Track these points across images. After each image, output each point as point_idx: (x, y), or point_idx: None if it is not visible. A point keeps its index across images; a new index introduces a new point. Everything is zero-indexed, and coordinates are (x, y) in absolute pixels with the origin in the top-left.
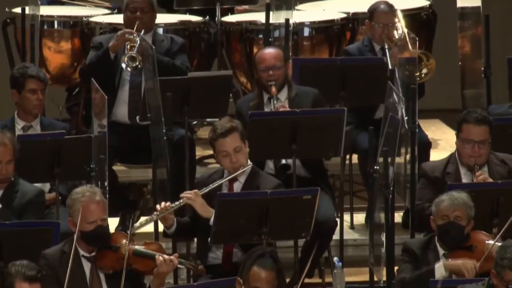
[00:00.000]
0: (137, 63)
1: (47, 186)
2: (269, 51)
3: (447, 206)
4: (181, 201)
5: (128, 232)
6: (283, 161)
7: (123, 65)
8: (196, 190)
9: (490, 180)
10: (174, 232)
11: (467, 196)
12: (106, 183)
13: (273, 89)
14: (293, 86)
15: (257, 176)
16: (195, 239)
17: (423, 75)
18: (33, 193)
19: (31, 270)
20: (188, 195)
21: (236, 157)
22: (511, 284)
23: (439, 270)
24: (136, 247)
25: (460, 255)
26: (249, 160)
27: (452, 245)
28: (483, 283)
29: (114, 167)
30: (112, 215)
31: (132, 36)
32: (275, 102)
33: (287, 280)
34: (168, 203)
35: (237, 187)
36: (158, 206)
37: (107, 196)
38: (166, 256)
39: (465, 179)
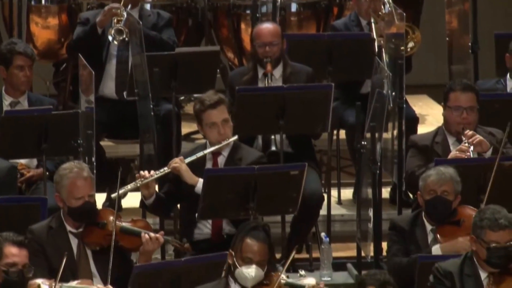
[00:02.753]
0: (124, 36)
1: (34, 162)
2: (267, 26)
3: (434, 181)
4: (166, 168)
5: (113, 196)
6: (273, 148)
7: (110, 38)
8: (181, 157)
9: (479, 136)
10: (151, 204)
11: (454, 171)
12: (93, 159)
13: (269, 67)
14: (289, 63)
15: (240, 149)
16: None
17: (409, 49)
18: (4, 171)
19: (19, 237)
20: (174, 162)
21: (224, 129)
22: (492, 244)
23: (437, 253)
24: (123, 224)
25: (448, 230)
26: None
27: (440, 219)
28: (459, 257)
29: (102, 143)
30: (99, 190)
31: (118, 11)
32: (270, 80)
33: (278, 255)
34: (152, 171)
35: (221, 161)
36: (142, 172)
37: (94, 171)
38: (152, 234)
39: (453, 149)
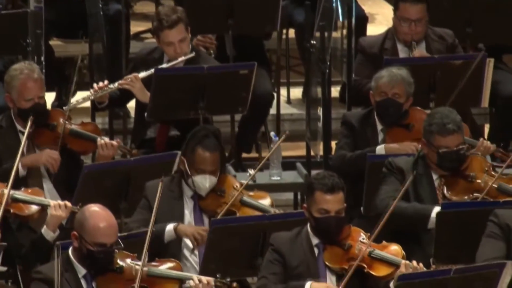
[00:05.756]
0: None
1: None
2: None
3: (386, 83)
4: (120, 81)
5: (65, 109)
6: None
7: None
8: (135, 74)
9: (426, 54)
10: (104, 107)
11: (407, 72)
12: (42, 58)
13: None
14: None
15: (198, 58)
16: (132, 115)
17: None
18: None
19: None
20: (128, 80)
21: (180, 47)
22: (441, 149)
23: (380, 152)
24: (73, 126)
25: (397, 132)
26: (191, 46)
27: (390, 122)
28: (413, 155)
29: (51, 42)
30: (48, 90)
31: None
32: None
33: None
34: (106, 83)
35: None
36: (95, 85)
37: (43, 71)
38: (107, 140)
39: (402, 55)
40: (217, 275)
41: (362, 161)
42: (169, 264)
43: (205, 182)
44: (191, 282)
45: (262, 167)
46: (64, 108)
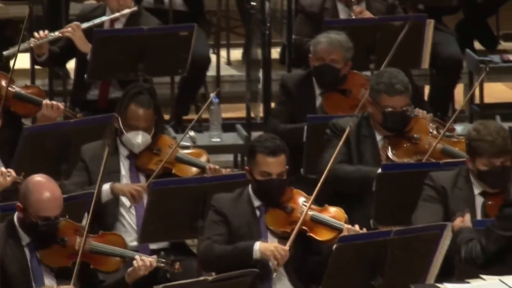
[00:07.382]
0: None
1: None
2: None
3: (324, 49)
4: (61, 30)
5: (5, 53)
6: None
7: None
8: (77, 23)
9: (368, 13)
10: (44, 61)
11: (346, 37)
12: None
13: None
14: None
15: (139, 16)
16: (72, 77)
17: None
18: None
19: None
20: (69, 28)
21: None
22: (387, 109)
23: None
24: (17, 89)
25: (335, 98)
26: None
27: (327, 87)
28: (356, 116)
29: None
30: None
31: None
32: None
33: (167, 117)
34: (46, 32)
35: (118, 27)
36: (36, 34)
37: None
38: (53, 102)
39: (342, 15)
40: (159, 255)
41: (293, 135)
42: (113, 239)
43: (137, 138)
44: (134, 263)
45: (202, 129)
46: (4, 53)
